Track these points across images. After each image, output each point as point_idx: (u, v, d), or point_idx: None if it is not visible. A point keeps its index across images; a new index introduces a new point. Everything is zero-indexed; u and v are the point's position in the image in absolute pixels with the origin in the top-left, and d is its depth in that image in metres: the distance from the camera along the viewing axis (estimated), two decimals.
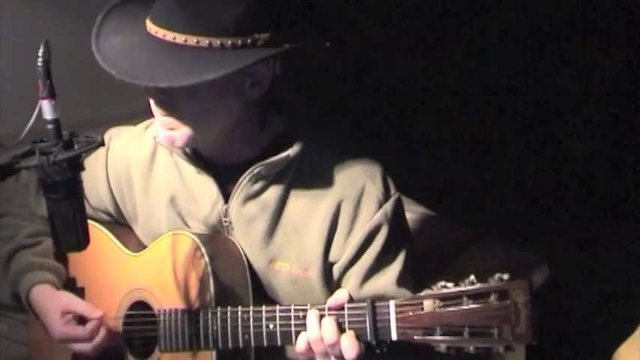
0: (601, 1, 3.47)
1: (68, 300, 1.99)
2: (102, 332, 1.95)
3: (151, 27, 1.76)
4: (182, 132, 1.80)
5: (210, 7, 1.72)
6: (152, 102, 1.81)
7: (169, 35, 1.73)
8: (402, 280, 1.87)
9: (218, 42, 1.72)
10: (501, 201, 3.64)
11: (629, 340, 1.85)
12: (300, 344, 1.78)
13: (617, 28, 3.52)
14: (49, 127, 1.63)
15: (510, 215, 3.61)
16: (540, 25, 3.62)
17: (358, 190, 1.87)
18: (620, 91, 3.60)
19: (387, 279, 1.87)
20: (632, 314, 1.88)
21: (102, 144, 1.67)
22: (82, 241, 1.70)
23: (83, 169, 1.67)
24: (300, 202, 1.89)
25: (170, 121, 1.80)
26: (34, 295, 2.01)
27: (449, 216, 2.65)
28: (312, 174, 1.89)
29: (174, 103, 1.78)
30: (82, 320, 1.97)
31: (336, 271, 1.90)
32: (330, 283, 1.91)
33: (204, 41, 1.72)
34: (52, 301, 1.99)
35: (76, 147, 1.65)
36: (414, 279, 1.89)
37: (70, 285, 2.08)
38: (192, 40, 1.72)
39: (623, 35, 3.50)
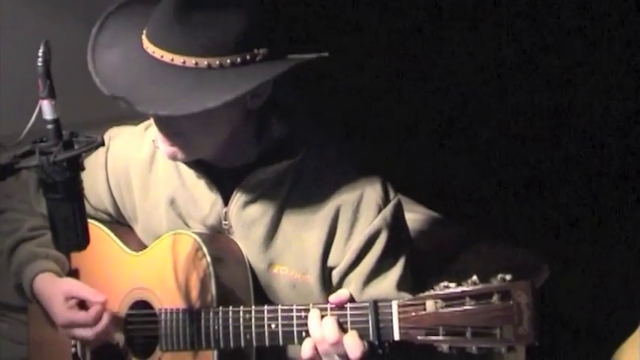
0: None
1: (71, 285, 1.97)
2: (105, 318, 1.93)
3: (148, 45, 1.74)
4: (182, 147, 1.81)
5: (207, 26, 1.70)
6: (152, 118, 1.81)
7: (167, 56, 1.71)
8: (402, 284, 1.87)
9: (217, 62, 1.70)
10: (501, 201, 3.64)
11: (630, 340, 1.85)
12: (306, 350, 1.78)
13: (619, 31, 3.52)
14: (49, 127, 1.63)
15: (510, 215, 3.61)
16: (541, 26, 3.62)
17: (357, 196, 1.87)
18: (620, 92, 3.59)
19: (387, 283, 1.87)
20: (632, 314, 1.88)
21: (102, 144, 1.67)
22: (82, 241, 1.70)
23: (83, 169, 1.67)
24: (299, 206, 1.89)
25: (170, 135, 1.80)
26: (38, 284, 2.01)
27: (449, 216, 2.65)
28: (311, 179, 1.89)
29: (173, 121, 1.77)
30: (84, 307, 1.96)
31: (335, 275, 1.90)
32: (329, 287, 1.91)
33: (203, 62, 1.70)
34: (55, 287, 1.98)
35: (76, 147, 1.65)
36: (413, 283, 1.89)
37: None
38: (190, 62, 1.70)
39: (627, 37, 3.51)
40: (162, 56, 1.71)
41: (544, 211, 3.64)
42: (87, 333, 1.93)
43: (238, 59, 1.71)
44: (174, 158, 1.84)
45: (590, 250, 3.47)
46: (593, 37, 3.54)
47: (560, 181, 3.67)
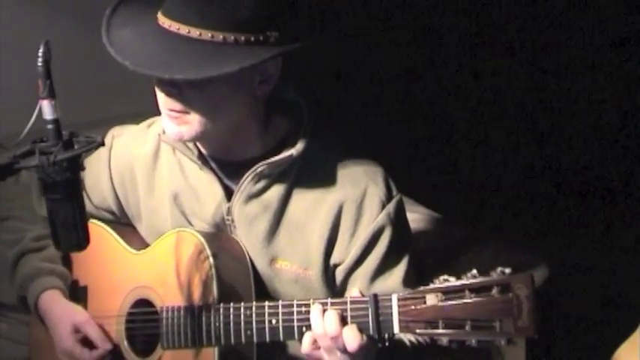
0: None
1: (83, 320, 1.99)
2: None
3: (164, 20, 1.76)
4: (190, 126, 1.81)
5: (225, 3, 1.73)
6: (161, 95, 1.81)
7: (184, 29, 1.73)
8: (408, 281, 1.88)
9: (232, 37, 1.73)
10: (501, 201, 3.64)
11: (629, 340, 1.85)
12: (305, 344, 1.77)
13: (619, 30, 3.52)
14: (49, 127, 1.62)
15: (510, 215, 3.61)
16: (542, 25, 3.62)
17: (360, 192, 1.88)
18: (621, 92, 3.60)
19: (393, 280, 1.88)
20: (632, 314, 1.88)
21: (102, 144, 1.66)
22: (82, 241, 1.69)
23: (83, 169, 1.66)
24: (302, 202, 1.90)
25: (178, 115, 1.80)
26: (44, 301, 2.02)
27: (449, 216, 2.65)
28: (314, 174, 1.90)
29: (184, 95, 1.78)
30: (87, 341, 1.98)
31: (340, 272, 1.90)
32: (331, 283, 1.91)
33: (219, 36, 1.73)
34: (65, 312, 2.00)
35: (76, 147, 1.64)
36: (416, 279, 1.89)
37: (74, 284, 2.08)
38: (206, 35, 1.73)
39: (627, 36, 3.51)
40: (178, 29, 1.74)
41: (544, 211, 3.64)
42: None
43: (252, 38, 1.74)
44: (180, 138, 1.84)
45: (591, 250, 3.48)
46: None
47: (560, 181, 3.68)
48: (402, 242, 1.91)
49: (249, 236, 1.92)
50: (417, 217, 2.53)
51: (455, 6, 3.65)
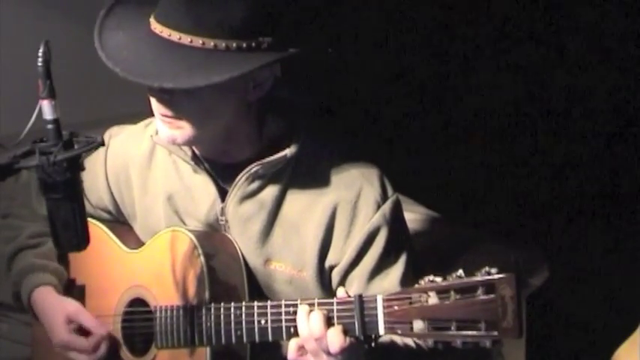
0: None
1: (75, 309, 1.99)
2: (103, 347, 1.96)
3: (156, 26, 1.76)
4: (183, 130, 1.81)
5: (216, 9, 1.72)
6: (153, 100, 1.81)
7: (175, 35, 1.73)
8: (405, 282, 1.87)
9: (223, 44, 1.72)
10: (501, 201, 3.64)
11: (629, 341, 1.85)
12: (291, 351, 1.77)
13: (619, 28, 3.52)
14: (49, 127, 1.62)
15: (510, 215, 3.61)
16: (540, 23, 3.62)
17: (355, 193, 1.87)
18: (621, 91, 3.59)
19: (390, 281, 1.87)
20: (632, 314, 1.88)
21: (102, 144, 1.66)
22: (81, 241, 1.70)
23: (83, 169, 1.67)
24: (296, 202, 1.89)
25: (170, 120, 1.80)
26: (36, 297, 2.02)
27: (449, 216, 2.65)
28: (309, 175, 1.89)
29: (175, 101, 1.78)
30: (83, 330, 1.97)
31: (336, 274, 1.90)
32: (326, 284, 1.91)
33: (210, 43, 1.72)
34: (57, 306, 1.99)
35: (76, 147, 1.64)
36: (414, 280, 1.89)
37: (71, 283, 2.08)
38: (197, 42, 1.72)
39: (626, 35, 3.51)
40: (169, 35, 1.73)
41: (544, 211, 3.64)
42: (82, 358, 1.96)
43: (244, 44, 1.73)
44: (173, 142, 1.84)
45: (591, 250, 3.47)
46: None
47: (560, 181, 3.67)
48: (399, 243, 1.90)
49: (243, 237, 1.92)
50: (416, 217, 2.53)
51: (452, 5, 3.64)
